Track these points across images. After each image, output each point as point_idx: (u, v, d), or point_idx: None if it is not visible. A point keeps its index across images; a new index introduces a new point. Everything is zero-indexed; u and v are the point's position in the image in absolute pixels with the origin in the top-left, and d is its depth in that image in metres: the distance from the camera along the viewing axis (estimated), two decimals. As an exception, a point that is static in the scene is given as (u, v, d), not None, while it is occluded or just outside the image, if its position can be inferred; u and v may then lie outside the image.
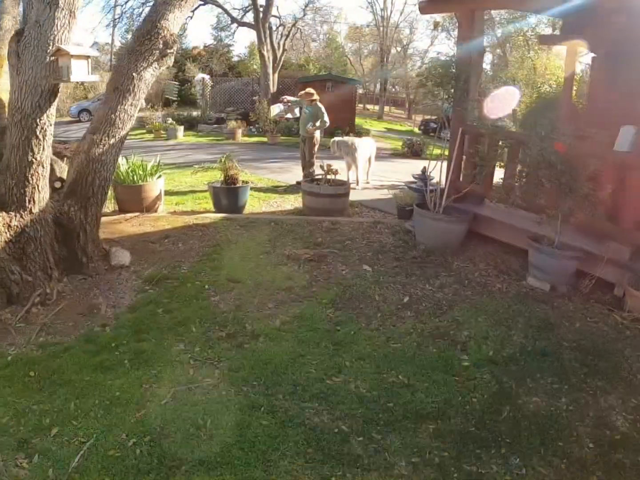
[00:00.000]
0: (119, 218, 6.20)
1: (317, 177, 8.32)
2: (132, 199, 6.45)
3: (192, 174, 8.16)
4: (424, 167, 5.80)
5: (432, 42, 46.25)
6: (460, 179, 5.83)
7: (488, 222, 5.51)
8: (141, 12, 21.99)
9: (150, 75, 4.37)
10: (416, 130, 34.29)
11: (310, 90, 8.66)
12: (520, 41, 26.02)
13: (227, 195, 6.47)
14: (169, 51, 4.26)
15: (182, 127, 17.65)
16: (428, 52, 42.30)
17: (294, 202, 7.73)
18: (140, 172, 6.52)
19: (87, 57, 3.58)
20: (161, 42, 4.21)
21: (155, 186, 6.52)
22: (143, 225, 5.91)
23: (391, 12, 38.59)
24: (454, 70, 5.31)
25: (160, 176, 6.76)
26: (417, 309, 3.87)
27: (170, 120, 18.32)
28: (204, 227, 5.72)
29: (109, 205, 6.68)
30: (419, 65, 42.84)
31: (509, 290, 4.39)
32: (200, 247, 5.06)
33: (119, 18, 22.73)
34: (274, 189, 8.67)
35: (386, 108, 41.20)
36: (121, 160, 6.62)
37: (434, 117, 34.72)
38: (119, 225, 5.92)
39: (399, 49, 41.11)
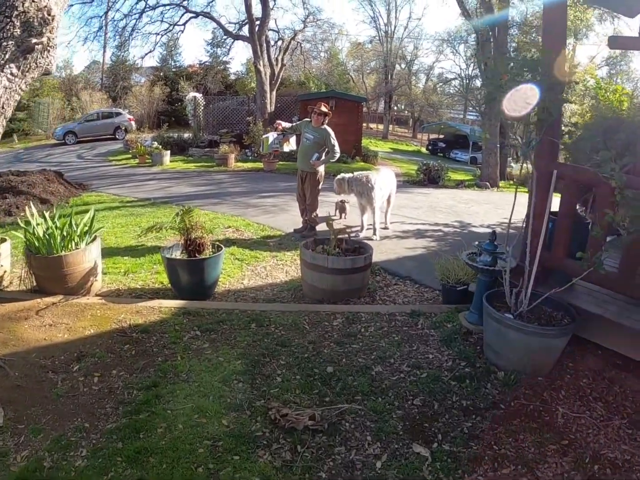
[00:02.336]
0: (30, 307, 4.11)
1: (321, 220, 6.26)
2: (52, 276, 4.35)
3: (139, 236, 5.78)
4: (494, 232, 3.67)
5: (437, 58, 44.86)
6: (550, 249, 3.74)
7: (592, 320, 3.41)
8: (125, 25, 20.16)
9: (3, 89, 2.28)
10: (423, 150, 32.42)
11: (324, 108, 6.37)
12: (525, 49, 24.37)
13: (189, 271, 4.29)
14: (34, 41, 2.16)
15: (168, 152, 15.65)
16: (434, 69, 40.85)
17: (290, 265, 5.62)
18: (65, 234, 4.43)
19: None
20: (18, 23, 2.13)
21: (84, 256, 4.41)
22: (56, 325, 3.81)
23: (395, 27, 37.19)
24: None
25: (95, 238, 4.67)
26: None
27: (155, 144, 16.35)
28: (145, 334, 3.59)
29: (27, 282, 4.58)
30: (424, 81, 41.33)
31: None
32: (126, 388, 2.92)
33: (96, 32, 20.86)
34: (265, 242, 6.56)
35: (390, 127, 39.45)
36: (37, 219, 4.57)
37: (441, 136, 33.02)
38: (23, 323, 3.82)
39: (403, 65, 39.50)
